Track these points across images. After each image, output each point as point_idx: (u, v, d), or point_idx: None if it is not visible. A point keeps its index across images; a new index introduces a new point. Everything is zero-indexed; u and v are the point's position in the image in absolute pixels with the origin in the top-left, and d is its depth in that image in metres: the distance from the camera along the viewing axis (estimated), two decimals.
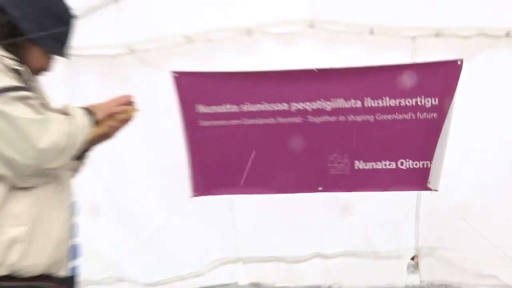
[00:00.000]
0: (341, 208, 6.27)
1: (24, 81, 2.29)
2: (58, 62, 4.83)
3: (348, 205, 6.23)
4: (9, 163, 2.09)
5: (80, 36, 5.39)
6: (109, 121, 2.49)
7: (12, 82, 2.16)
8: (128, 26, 5.77)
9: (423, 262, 6.41)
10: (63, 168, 2.38)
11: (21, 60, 2.35)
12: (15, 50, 2.33)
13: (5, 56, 2.24)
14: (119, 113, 2.54)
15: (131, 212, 6.28)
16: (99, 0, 5.60)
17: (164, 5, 5.74)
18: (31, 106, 2.14)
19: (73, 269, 2.55)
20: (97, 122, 2.43)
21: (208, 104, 5.60)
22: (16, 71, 2.25)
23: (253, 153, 5.76)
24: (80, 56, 5.71)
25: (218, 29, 5.92)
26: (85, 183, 5.28)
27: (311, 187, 5.72)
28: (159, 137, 5.96)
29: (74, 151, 2.28)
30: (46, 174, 2.26)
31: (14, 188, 2.18)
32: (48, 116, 2.18)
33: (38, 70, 2.51)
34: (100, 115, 2.45)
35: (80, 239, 2.71)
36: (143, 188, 6.27)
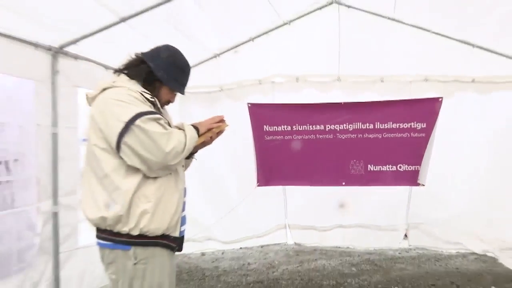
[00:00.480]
0: (357, 196, 6.92)
1: (157, 108, 2.59)
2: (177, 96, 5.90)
3: (362, 194, 6.84)
4: (145, 161, 2.38)
5: (190, 82, 6.59)
6: (208, 133, 2.73)
7: (149, 109, 2.47)
8: (220, 73, 6.54)
9: (411, 233, 7.14)
10: (179, 164, 2.62)
11: (155, 95, 2.64)
12: (152, 88, 2.65)
13: (145, 92, 2.56)
14: (215, 128, 2.78)
15: (219, 195, 7.04)
16: (203, 57, 6.37)
17: (242, 60, 6.45)
18: (160, 124, 2.43)
19: (182, 232, 2.72)
20: (200, 134, 2.66)
21: (271, 125, 6.37)
22: (151, 102, 2.55)
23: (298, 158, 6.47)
24: (189, 93, 6.38)
25: (278, 75, 6.73)
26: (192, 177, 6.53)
27: (337, 182, 6.44)
28: (239, 145, 6.59)
29: (186, 153, 2.53)
30: (168, 169, 2.51)
31: (147, 177, 2.46)
32: (170, 130, 2.46)
33: (166, 102, 2.82)
34: (202, 130, 2.69)
35: (186, 212, 2.81)
36: (228, 180, 7.04)
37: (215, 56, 6.47)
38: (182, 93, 2.86)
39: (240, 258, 7.03)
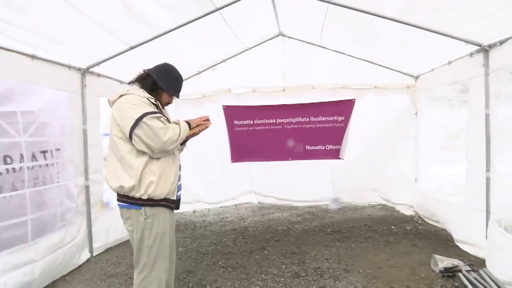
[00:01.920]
0: (299, 171, 6.82)
1: (159, 109, 2.62)
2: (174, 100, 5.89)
3: (303, 170, 6.78)
4: (149, 147, 2.45)
5: (181, 91, 6.59)
6: (196, 128, 2.75)
7: (153, 110, 2.52)
8: (202, 85, 6.56)
9: (336, 192, 7.08)
10: (175, 149, 2.63)
11: (158, 99, 2.67)
12: (155, 94, 2.67)
13: (151, 97, 2.60)
14: (202, 125, 2.80)
15: (205, 170, 6.95)
16: (190, 74, 6.35)
17: (217, 75, 6.49)
18: (161, 121, 2.50)
19: (178, 196, 2.74)
20: (191, 128, 2.71)
21: (239, 120, 6.55)
22: (155, 105, 2.60)
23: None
24: (181, 99, 6.51)
25: (241, 87, 6.73)
26: (186, 157, 6.52)
27: (286, 158, 6.62)
28: (218, 134, 6.32)
29: (180, 141, 2.58)
30: (166, 152, 2.54)
31: (152, 158, 2.51)
32: (168, 125, 2.52)
33: (166, 103, 2.80)
34: (193, 125, 2.73)
35: (181, 182, 2.80)
36: (211, 158, 6.89)
37: (198, 73, 6.50)
38: (178, 97, 2.88)
39: (220, 213, 7.05)
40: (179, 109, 6.37)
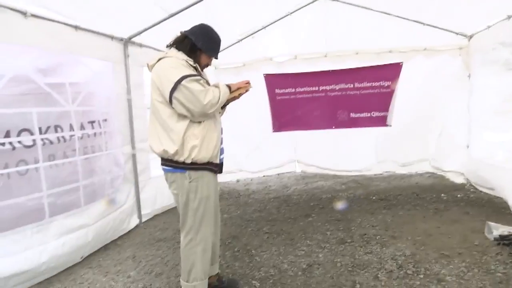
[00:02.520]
0: (343, 140, 6.77)
1: (198, 72, 2.57)
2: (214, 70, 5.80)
3: (347, 138, 6.72)
4: (189, 110, 2.40)
5: (221, 60, 6.53)
6: (237, 91, 2.70)
7: (192, 72, 2.46)
8: (242, 53, 6.40)
9: (381, 162, 6.89)
10: (216, 111, 2.58)
11: (197, 61, 2.62)
12: (193, 56, 2.62)
13: (189, 59, 2.54)
14: (242, 87, 2.73)
15: (247, 139, 7.00)
16: (230, 42, 6.22)
17: (257, 43, 6.24)
18: (200, 83, 2.43)
19: (221, 159, 2.73)
20: (231, 91, 2.65)
21: (280, 88, 6.53)
22: (194, 67, 2.53)
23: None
24: (222, 68, 6.69)
25: (282, 54, 6.65)
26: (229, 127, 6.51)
27: (329, 126, 6.58)
28: (259, 103, 6.59)
29: (220, 104, 2.52)
30: (207, 115, 2.49)
31: (193, 122, 2.48)
32: (207, 88, 2.45)
33: (205, 65, 2.75)
34: (233, 88, 2.66)
35: (223, 145, 2.80)
36: (253, 128, 6.91)
37: (238, 41, 6.34)
38: (216, 57, 2.80)
39: (263, 182, 7.05)
40: (220, 78, 6.32)
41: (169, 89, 2.39)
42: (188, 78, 2.39)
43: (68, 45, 3.68)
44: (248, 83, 2.79)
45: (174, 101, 2.41)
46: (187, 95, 2.37)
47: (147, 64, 2.66)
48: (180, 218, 2.66)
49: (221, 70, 6.74)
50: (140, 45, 4.85)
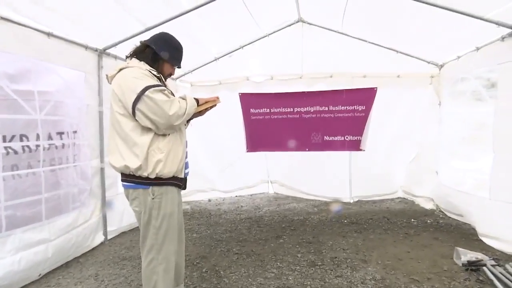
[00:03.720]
0: (316, 164, 6.73)
1: (162, 82, 2.50)
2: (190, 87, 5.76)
3: (319, 162, 6.69)
4: (154, 123, 2.30)
5: (198, 77, 6.53)
6: (204, 105, 2.58)
7: (156, 82, 2.36)
8: (219, 72, 6.45)
9: (353, 186, 6.78)
10: (182, 124, 2.48)
11: (159, 71, 2.54)
12: (156, 65, 2.53)
13: (152, 70, 2.46)
14: (210, 101, 2.61)
15: (220, 158, 6.92)
16: (207, 60, 6.30)
17: (235, 62, 6.30)
18: (165, 94, 2.33)
19: (186, 174, 2.62)
20: (198, 105, 2.54)
21: (255, 108, 6.46)
22: (157, 77, 2.46)
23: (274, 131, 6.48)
24: (198, 85, 6.68)
25: (259, 74, 6.64)
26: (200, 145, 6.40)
27: (303, 148, 6.47)
28: (233, 123, 6.55)
29: (187, 117, 2.43)
30: (172, 128, 2.39)
31: (158, 135, 2.38)
32: (172, 99, 2.35)
33: (168, 75, 2.66)
34: (201, 101, 2.56)
35: (188, 159, 2.73)
36: (226, 147, 6.84)
37: (215, 59, 6.38)
38: (179, 67, 2.73)
39: (235, 202, 6.97)
40: (196, 95, 6.08)
41: (132, 100, 2.28)
42: (152, 89, 2.29)
43: (39, 51, 3.58)
44: (217, 98, 2.70)
45: (137, 113, 2.30)
46: (152, 106, 2.27)
47: (106, 75, 2.55)
48: (141, 237, 2.51)
49: (197, 87, 6.71)
50: (115, 57, 4.77)
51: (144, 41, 2.61)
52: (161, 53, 2.54)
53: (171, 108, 2.31)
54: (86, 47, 4.28)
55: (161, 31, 2.68)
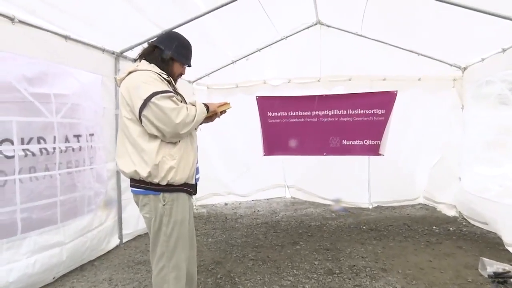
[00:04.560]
0: (334, 168, 6.53)
1: (172, 85, 2.42)
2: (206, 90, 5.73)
3: (337, 166, 6.49)
4: (160, 130, 2.23)
5: (214, 80, 6.50)
6: (216, 109, 2.55)
7: (165, 87, 2.29)
8: (236, 75, 6.41)
9: (372, 192, 6.63)
10: (192, 130, 2.41)
11: (168, 73, 2.45)
12: (166, 66, 2.46)
13: (162, 73, 2.38)
14: (221, 106, 2.57)
15: (237, 162, 6.82)
16: (224, 63, 6.28)
17: (252, 65, 6.27)
18: (172, 101, 2.25)
19: (197, 179, 2.54)
20: (209, 111, 2.50)
21: (272, 111, 6.37)
22: (168, 81, 2.38)
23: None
24: (214, 88, 6.61)
25: (276, 78, 6.56)
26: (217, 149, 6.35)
27: (320, 153, 6.34)
28: (250, 126, 6.48)
29: (196, 124, 2.36)
30: (179, 136, 2.31)
31: (169, 142, 2.31)
32: (180, 106, 2.27)
33: (179, 75, 2.60)
34: (212, 108, 2.52)
35: (203, 163, 2.75)
36: (243, 151, 6.75)
37: (232, 62, 6.34)
38: (190, 65, 2.65)
39: (252, 207, 6.90)
40: (212, 98, 6.25)
41: (139, 106, 2.22)
42: (159, 95, 2.21)
43: (56, 55, 3.58)
44: (227, 103, 2.63)
45: (143, 119, 2.24)
46: (157, 114, 2.20)
47: (115, 78, 2.48)
48: (151, 244, 2.44)
49: (213, 90, 6.66)
50: (133, 60, 4.73)
51: (152, 41, 2.55)
52: (169, 52, 2.47)
53: (178, 116, 2.24)
54: (103, 50, 4.29)
55: (168, 30, 2.65)
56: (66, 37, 3.68)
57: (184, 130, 2.28)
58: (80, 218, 3.92)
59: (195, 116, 2.33)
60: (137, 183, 2.36)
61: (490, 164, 5.41)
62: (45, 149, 3.60)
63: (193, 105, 2.41)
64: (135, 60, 2.54)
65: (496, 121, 5.22)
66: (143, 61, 2.47)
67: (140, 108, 2.22)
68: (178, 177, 2.33)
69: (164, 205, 2.35)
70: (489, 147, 5.45)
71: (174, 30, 2.67)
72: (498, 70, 4.83)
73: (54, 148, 3.64)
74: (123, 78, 2.39)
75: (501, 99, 5.08)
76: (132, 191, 2.44)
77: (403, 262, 4.05)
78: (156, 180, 2.29)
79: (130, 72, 2.37)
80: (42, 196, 3.45)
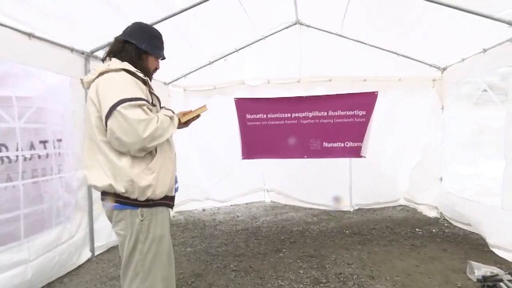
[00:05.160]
0: (315, 170, 6.36)
1: (149, 86, 2.17)
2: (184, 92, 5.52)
3: (318, 169, 6.33)
4: (123, 144, 1.97)
5: (191, 82, 6.26)
6: (190, 114, 2.35)
7: (138, 93, 2.03)
8: (213, 76, 6.20)
9: (353, 194, 6.54)
10: (169, 137, 2.19)
11: (143, 69, 2.23)
12: (140, 62, 2.24)
13: (138, 71, 2.13)
14: (195, 111, 2.38)
15: (215, 166, 6.62)
16: (201, 64, 6.04)
17: (230, 66, 6.08)
18: (143, 110, 2.00)
19: (176, 189, 2.35)
20: (182, 121, 2.31)
21: (251, 113, 6.13)
22: (143, 81, 2.13)
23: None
24: (191, 90, 6.38)
25: (255, 78, 6.38)
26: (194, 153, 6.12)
27: (301, 155, 6.14)
28: (228, 129, 6.24)
29: (165, 137, 2.10)
30: (146, 150, 2.07)
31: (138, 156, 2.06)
32: (151, 117, 2.02)
33: (154, 70, 2.39)
34: (185, 116, 2.34)
35: (181, 168, 2.58)
36: (221, 155, 6.56)
37: (209, 63, 6.12)
38: (164, 57, 2.43)
39: (231, 212, 6.69)
40: (189, 101, 6.08)
41: (105, 115, 1.97)
42: (127, 103, 1.94)
43: (18, 54, 3.27)
44: (203, 106, 2.41)
45: (108, 130, 1.98)
46: (122, 125, 1.93)
47: (81, 80, 2.20)
48: (123, 264, 2.16)
49: (190, 93, 6.43)
50: (103, 60, 4.44)
51: (119, 36, 2.30)
52: (143, 46, 2.24)
53: (147, 129, 1.98)
54: (72, 50, 3.98)
55: (133, 22, 2.36)
56: (30, 35, 3.36)
57: (151, 144, 2.03)
58: (48, 232, 3.60)
59: (165, 130, 2.09)
60: (112, 197, 2.08)
61: (469, 164, 5.44)
62: (7, 157, 3.29)
63: (166, 115, 2.16)
64: (103, 60, 2.28)
65: (477, 121, 5.25)
66: (113, 59, 2.21)
67: (105, 117, 1.96)
68: (158, 192, 2.12)
69: (142, 220, 2.11)
70: (469, 147, 5.48)
71: (140, 21, 2.38)
72: (478, 70, 4.86)
73: (17, 156, 3.33)
74: (92, 80, 2.12)
75: (482, 99, 5.09)
76: (106, 206, 2.16)
77: (390, 268, 3.94)
78: (133, 196, 2.05)
79: (100, 73, 2.09)
80: (2, 209, 3.13)
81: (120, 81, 2.04)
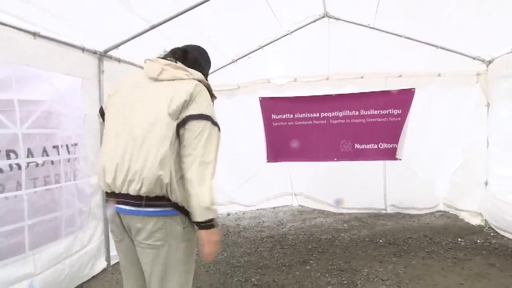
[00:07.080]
0: (346, 173, 5.98)
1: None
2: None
3: (350, 171, 5.95)
4: (192, 155, 1.82)
5: (214, 81, 5.99)
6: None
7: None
8: (237, 74, 5.94)
9: (388, 197, 6.16)
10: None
11: None
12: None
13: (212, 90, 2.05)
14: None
15: (239, 169, 6.26)
16: (224, 63, 5.83)
17: (254, 64, 5.83)
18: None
19: None
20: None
21: (277, 113, 5.94)
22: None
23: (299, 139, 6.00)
24: (216, 90, 6.42)
25: (281, 76, 5.99)
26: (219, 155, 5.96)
27: (330, 158, 5.89)
28: (253, 130, 6.07)
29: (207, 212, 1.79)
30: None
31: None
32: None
33: None
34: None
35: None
36: (246, 157, 6.22)
37: (233, 62, 5.88)
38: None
39: (257, 217, 6.35)
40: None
41: (199, 112, 1.81)
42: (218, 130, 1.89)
43: (23, 55, 3.05)
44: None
45: (197, 123, 1.79)
46: (214, 141, 1.84)
47: (161, 70, 1.91)
48: (156, 278, 1.82)
49: (214, 92, 6.13)
50: (119, 60, 4.26)
51: (190, 51, 2.10)
52: (203, 62, 2.15)
53: (212, 171, 1.85)
54: (83, 49, 3.74)
55: (195, 45, 2.21)
56: (34, 34, 3.13)
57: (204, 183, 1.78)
58: (57, 243, 3.37)
59: (213, 202, 1.77)
60: (150, 201, 1.76)
61: None
62: (17, 164, 3.07)
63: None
64: (175, 60, 2.00)
65: None
66: (193, 71, 1.98)
67: (196, 115, 1.79)
68: None
69: (184, 228, 1.84)
70: None
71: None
72: None
73: (28, 163, 3.13)
74: (163, 79, 1.90)
75: None
76: (140, 212, 1.76)
77: (431, 285, 3.50)
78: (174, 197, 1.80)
79: (198, 80, 1.92)
80: (4, 221, 2.91)
81: (208, 98, 1.96)
